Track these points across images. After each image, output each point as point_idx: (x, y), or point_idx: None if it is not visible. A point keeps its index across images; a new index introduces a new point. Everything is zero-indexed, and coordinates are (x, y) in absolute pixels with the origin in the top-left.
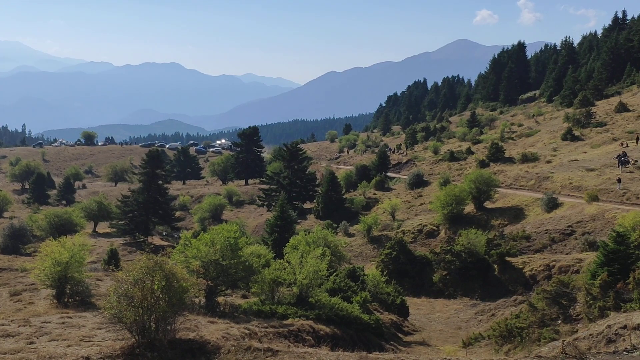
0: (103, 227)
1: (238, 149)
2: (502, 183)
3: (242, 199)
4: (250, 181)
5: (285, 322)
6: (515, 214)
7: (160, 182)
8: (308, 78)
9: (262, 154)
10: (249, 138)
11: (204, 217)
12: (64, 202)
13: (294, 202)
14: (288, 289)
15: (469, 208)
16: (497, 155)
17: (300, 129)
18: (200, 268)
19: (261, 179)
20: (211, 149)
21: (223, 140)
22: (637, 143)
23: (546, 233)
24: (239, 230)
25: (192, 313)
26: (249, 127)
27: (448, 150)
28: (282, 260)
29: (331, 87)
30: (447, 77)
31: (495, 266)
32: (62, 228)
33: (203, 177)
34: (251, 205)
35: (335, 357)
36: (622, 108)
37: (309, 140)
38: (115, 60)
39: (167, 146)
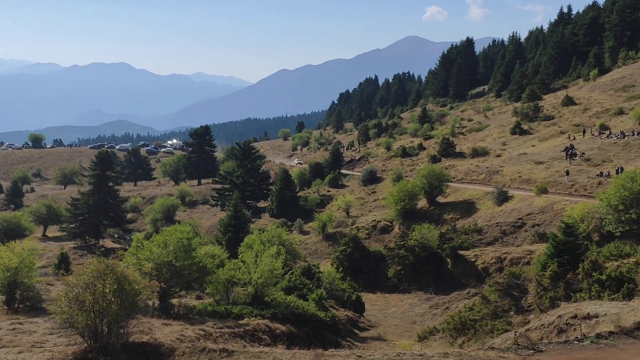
0: (53, 230)
1: (190, 149)
2: (454, 178)
3: (195, 199)
4: (203, 181)
5: (240, 322)
6: (467, 207)
7: (110, 184)
8: (260, 76)
9: (214, 154)
10: (201, 138)
11: (156, 219)
12: (12, 206)
13: (248, 201)
14: (243, 288)
15: (422, 203)
16: (448, 150)
17: (252, 127)
18: (153, 270)
19: (214, 179)
20: (162, 150)
21: (174, 141)
22: (584, 136)
23: (497, 226)
24: (192, 230)
25: (146, 316)
26: (201, 126)
27: (400, 146)
28: (236, 260)
29: (283, 85)
30: (398, 73)
31: (449, 260)
32: (11, 233)
33: (155, 178)
34: (204, 205)
35: (291, 356)
36: (569, 101)
37: (262, 139)
38: (62, 61)
39: (117, 147)
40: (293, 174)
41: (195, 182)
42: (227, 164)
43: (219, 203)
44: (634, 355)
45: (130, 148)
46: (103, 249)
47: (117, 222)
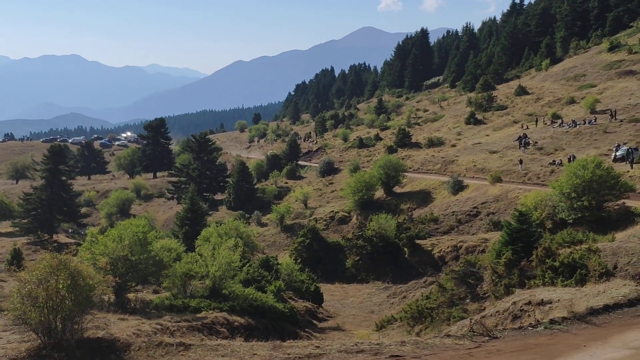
0: (5, 226)
1: (145, 142)
2: (410, 168)
3: (151, 192)
4: (158, 174)
5: (198, 315)
6: (423, 197)
7: (63, 178)
8: (215, 68)
9: (170, 146)
10: (156, 130)
11: (111, 213)
12: None
13: (205, 194)
14: (201, 281)
15: (379, 193)
16: (404, 140)
17: (208, 119)
18: (107, 265)
19: (170, 172)
20: (117, 143)
21: (129, 133)
22: (536, 125)
23: (453, 215)
24: (148, 224)
25: (101, 311)
26: (156, 119)
27: (357, 137)
28: (193, 253)
29: (239, 77)
30: (354, 64)
31: (406, 249)
32: None
33: (109, 172)
34: (160, 198)
35: (249, 348)
36: (522, 91)
37: (218, 131)
38: (12, 54)
39: (70, 141)
40: (250, 166)
41: (150, 175)
42: (183, 156)
43: (175, 196)
44: (587, 340)
45: (83, 141)
46: (56, 244)
47: (71, 217)
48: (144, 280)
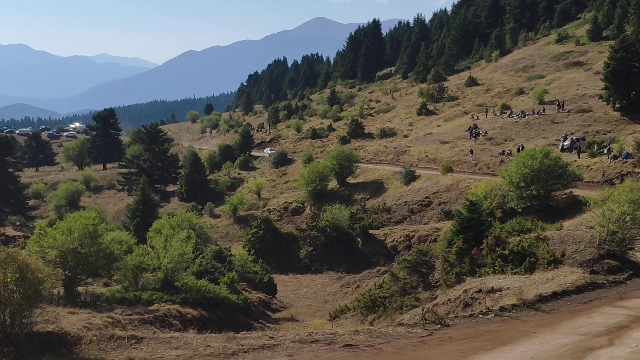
0: None
1: (94, 133)
2: (363, 158)
3: (101, 184)
4: (108, 165)
5: (150, 307)
6: (376, 187)
7: (10, 170)
8: (166, 57)
9: (120, 137)
10: (105, 121)
11: (60, 205)
12: None
13: (156, 185)
14: (153, 274)
15: (333, 184)
16: (357, 131)
17: (159, 110)
18: (57, 258)
19: (120, 163)
20: (65, 134)
21: (77, 124)
22: (486, 115)
23: (405, 205)
24: (98, 216)
25: (51, 305)
26: (105, 109)
27: (310, 127)
28: (145, 245)
29: (190, 67)
30: (307, 55)
31: (359, 239)
32: None
33: (57, 163)
34: (110, 190)
35: (202, 340)
36: (472, 82)
37: (170, 122)
38: None
39: (17, 132)
40: (202, 157)
41: (100, 166)
42: (134, 147)
43: (125, 188)
44: (536, 327)
45: (30, 132)
46: (4, 237)
47: (19, 210)
48: (95, 273)
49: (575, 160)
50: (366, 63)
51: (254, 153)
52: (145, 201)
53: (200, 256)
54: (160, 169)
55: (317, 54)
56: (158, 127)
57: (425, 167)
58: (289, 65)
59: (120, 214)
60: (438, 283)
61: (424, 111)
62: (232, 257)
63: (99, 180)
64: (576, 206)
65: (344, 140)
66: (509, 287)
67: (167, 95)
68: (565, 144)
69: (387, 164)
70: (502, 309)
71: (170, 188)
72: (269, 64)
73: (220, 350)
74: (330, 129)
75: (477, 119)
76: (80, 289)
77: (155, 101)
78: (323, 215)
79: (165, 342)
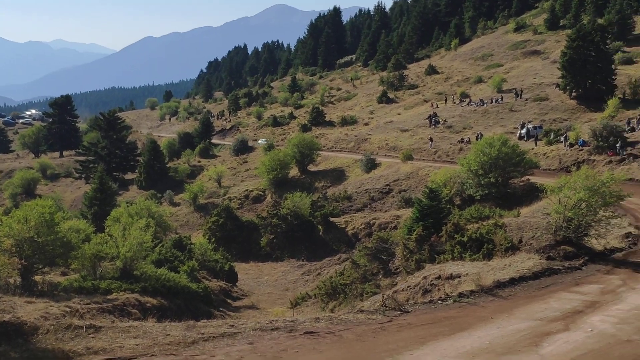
0: None
1: (50, 120)
2: (324, 146)
3: (58, 172)
4: (65, 153)
5: (109, 297)
6: (337, 175)
7: None
8: (124, 44)
9: (77, 124)
10: (62, 107)
11: (15, 193)
12: None
13: (114, 173)
14: (111, 263)
15: (294, 172)
16: (318, 119)
17: (117, 97)
18: (12, 247)
19: (77, 151)
20: (21, 121)
21: (33, 111)
22: (446, 104)
23: (366, 192)
24: (55, 205)
25: (7, 294)
26: (62, 96)
27: (271, 115)
28: (103, 234)
29: (149, 53)
30: (267, 42)
31: (320, 227)
32: None
33: (13, 151)
34: (68, 178)
35: (162, 329)
36: (432, 70)
37: (128, 109)
38: None
39: None
40: (162, 144)
41: (57, 154)
42: (91, 134)
43: (83, 176)
44: (494, 312)
45: None
46: None
47: None
48: (52, 262)
49: (533, 148)
50: (327, 51)
51: (214, 141)
52: (103, 189)
53: (160, 245)
54: (119, 156)
55: (277, 41)
56: (116, 114)
57: (385, 155)
58: (250, 52)
59: (78, 202)
60: (398, 270)
61: (384, 99)
62: (192, 246)
63: (56, 168)
64: (533, 193)
65: (305, 128)
66: (467, 274)
67: (125, 82)
68: (522, 132)
69: (348, 151)
70: (460, 295)
71: (129, 176)
72: (229, 51)
73: (180, 339)
74: (291, 116)
75: (437, 107)
76: (37, 278)
77: (113, 88)
78: (284, 203)
79: (124, 331)
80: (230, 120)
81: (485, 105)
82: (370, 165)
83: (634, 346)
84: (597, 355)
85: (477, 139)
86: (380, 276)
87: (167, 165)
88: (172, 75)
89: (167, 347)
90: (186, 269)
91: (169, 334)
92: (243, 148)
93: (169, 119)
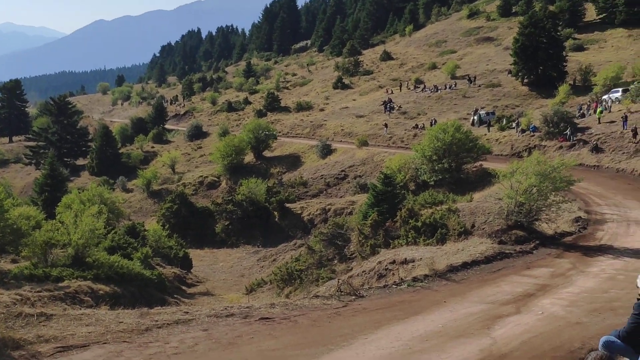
0: None
1: None
2: (280, 132)
3: (7, 157)
4: (15, 138)
5: (60, 284)
6: (293, 161)
7: None
8: (74, 27)
9: (27, 109)
10: (11, 92)
11: None
12: None
13: (65, 159)
14: (63, 250)
15: (249, 158)
16: (273, 104)
17: (68, 81)
18: None
19: (27, 136)
20: None
21: None
22: (400, 90)
23: (322, 178)
24: (4, 191)
25: None
26: (11, 80)
27: (226, 100)
28: (54, 220)
29: (100, 37)
30: (222, 26)
31: (276, 213)
32: None
33: None
34: (17, 164)
35: (115, 316)
36: (387, 56)
37: (79, 93)
38: None
39: None
40: (114, 129)
41: (6, 139)
42: (41, 119)
43: (33, 161)
44: (447, 296)
45: None
46: None
47: None
48: (2, 249)
49: (485, 134)
50: (282, 36)
51: (167, 126)
52: (53, 175)
53: (113, 231)
54: (70, 142)
55: (232, 25)
56: (67, 99)
57: (341, 141)
58: (204, 36)
59: (28, 188)
60: (353, 255)
61: (339, 85)
62: (145, 232)
63: (5, 154)
64: (486, 178)
65: (260, 114)
66: (421, 258)
67: (77, 66)
68: (475, 118)
69: (304, 137)
70: (414, 279)
71: (81, 162)
72: (183, 35)
73: (133, 326)
74: (246, 102)
75: (392, 93)
76: None
77: (64, 72)
78: (239, 189)
79: (76, 319)
80: (184, 105)
81: (439, 91)
82: (326, 151)
83: (583, 328)
84: (548, 337)
85: (431, 125)
86: (335, 261)
87: (120, 151)
88: (125, 60)
89: (120, 335)
90: (140, 256)
91: (122, 322)
92: (197, 133)
93: (122, 104)
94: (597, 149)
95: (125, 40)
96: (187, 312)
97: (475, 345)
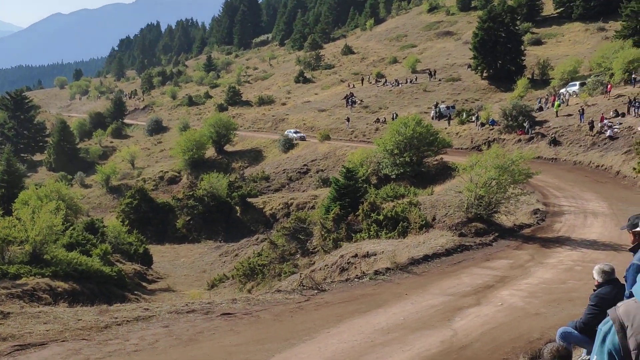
0: None
1: None
2: (241, 126)
3: None
4: None
5: (18, 282)
6: (255, 155)
7: None
8: (31, 20)
9: None
10: None
11: None
12: None
13: (22, 155)
14: (20, 247)
15: (210, 152)
16: (234, 98)
17: (25, 75)
18: None
19: None
20: None
21: None
22: (362, 84)
23: (284, 173)
24: None
25: None
26: None
27: (186, 94)
28: (11, 217)
29: (57, 30)
30: (181, 20)
31: (238, 208)
32: None
33: None
34: None
35: (73, 314)
36: (348, 50)
37: (36, 88)
38: None
39: None
40: (72, 124)
41: None
42: None
43: None
44: (408, 289)
45: None
46: None
47: None
48: None
49: (446, 128)
50: (242, 29)
51: (127, 121)
52: (10, 171)
53: (71, 228)
54: (27, 137)
55: (192, 18)
56: (23, 94)
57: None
58: (163, 30)
59: None
60: (316, 249)
61: (301, 79)
62: (105, 228)
63: None
64: (446, 172)
65: (221, 108)
66: (383, 251)
67: (33, 60)
68: (435, 111)
69: (266, 131)
70: (376, 272)
71: (38, 157)
72: (142, 29)
73: (92, 323)
74: (207, 96)
75: (353, 87)
76: None
77: (20, 66)
78: (200, 184)
79: (34, 316)
80: (143, 99)
81: (400, 85)
82: (288, 145)
83: (541, 319)
84: (507, 328)
85: (392, 119)
86: (298, 256)
87: (78, 146)
88: (83, 54)
89: (79, 332)
90: (99, 252)
91: (80, 319)
92: (157, 128)
93: (80, 99)
94: (554, 142)
95: (83, 33)
96: (148, 309)
97: (436, 337)
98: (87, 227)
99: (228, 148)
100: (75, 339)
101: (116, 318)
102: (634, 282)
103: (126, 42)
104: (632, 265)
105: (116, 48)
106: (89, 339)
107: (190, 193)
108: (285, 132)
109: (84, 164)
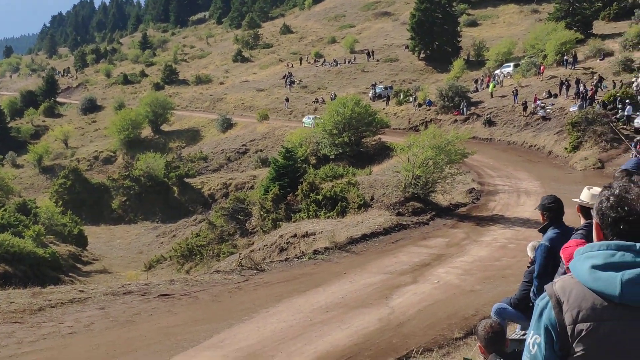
0: None
1: None
2: (178, 105)
3: None
4: None
5: None
6: (193, 135)
7: None
8: None
9: None
10: None
11: None
12: None
13: None
14: None
15: (146, 132)
16: (171, 77)
17: None
18: None
19: None
20: None
21: None
22: (301, 64)
23: (222, 153)
24: None
25: None
26: None
27: (121, 73)
28: None
29: None
30: None
31: (175, 188)
32: None
33: None
34: None
35: (5, 296)
36: (286, 30)
37: None
38: None
39: None
40: (2, 103)
41: None
42: None
43: None
44: (347, 268)
45: None
46: None
47: None
48: None
49: (384, 108)
50: (179, 7)
51: (59, 99)
52: None
53: (2, 209)
54: None
55: None
56: None
57: (241, 115)
58: (97, 6)
59: None
60: (255, 229)
61: (239, 58)
62: (37, 209)
63: None
64: (384, 152)
65: (157, 87)
66: (322, 231)
67: None
68: (374, 92)
69: (203, 111)
70: (315, 252)
71: None
72: (75, 5)
73: (25, 306)
74: (143, 74)
75: (292, 67)
76: None
77: None
78: (137, 164)
79: None
80: (76, 77)
81: (338, 65)
82: (226, 125)
83: (477, 296)
84: (443, 305)
85: (331, 99)
86: (237, 236)
87: (9, 125)
88: (12, 30)
89: (12, 315)
90: (31, 234)
91: (13, 302)
92: (91, 107)
93: (10, 76)
94: (489, 122)
95: (13, 8)
96: (83, 291)
97: (374, 315)
98: (19, 208)
99: (165, 128)
100: (7, 322)
101: (50, 300)
102: (543, 262)
103: (58, 18)
104: (541, 246)
105: (48, 25)
106: (21, 321)
107: (126, 173)
108: (304, 119)
109: (15, 144)
